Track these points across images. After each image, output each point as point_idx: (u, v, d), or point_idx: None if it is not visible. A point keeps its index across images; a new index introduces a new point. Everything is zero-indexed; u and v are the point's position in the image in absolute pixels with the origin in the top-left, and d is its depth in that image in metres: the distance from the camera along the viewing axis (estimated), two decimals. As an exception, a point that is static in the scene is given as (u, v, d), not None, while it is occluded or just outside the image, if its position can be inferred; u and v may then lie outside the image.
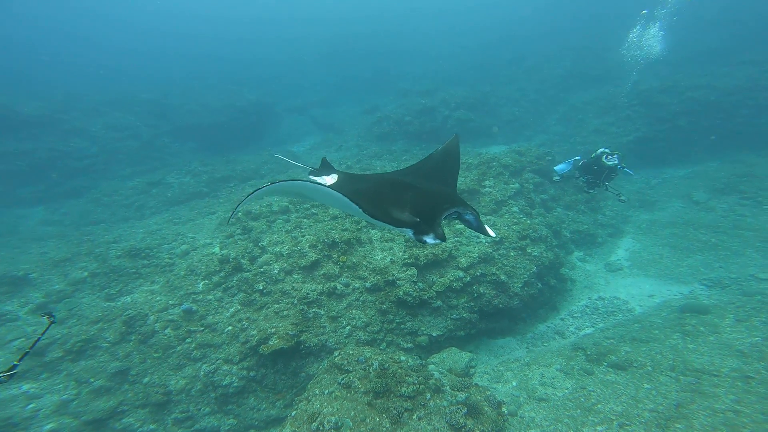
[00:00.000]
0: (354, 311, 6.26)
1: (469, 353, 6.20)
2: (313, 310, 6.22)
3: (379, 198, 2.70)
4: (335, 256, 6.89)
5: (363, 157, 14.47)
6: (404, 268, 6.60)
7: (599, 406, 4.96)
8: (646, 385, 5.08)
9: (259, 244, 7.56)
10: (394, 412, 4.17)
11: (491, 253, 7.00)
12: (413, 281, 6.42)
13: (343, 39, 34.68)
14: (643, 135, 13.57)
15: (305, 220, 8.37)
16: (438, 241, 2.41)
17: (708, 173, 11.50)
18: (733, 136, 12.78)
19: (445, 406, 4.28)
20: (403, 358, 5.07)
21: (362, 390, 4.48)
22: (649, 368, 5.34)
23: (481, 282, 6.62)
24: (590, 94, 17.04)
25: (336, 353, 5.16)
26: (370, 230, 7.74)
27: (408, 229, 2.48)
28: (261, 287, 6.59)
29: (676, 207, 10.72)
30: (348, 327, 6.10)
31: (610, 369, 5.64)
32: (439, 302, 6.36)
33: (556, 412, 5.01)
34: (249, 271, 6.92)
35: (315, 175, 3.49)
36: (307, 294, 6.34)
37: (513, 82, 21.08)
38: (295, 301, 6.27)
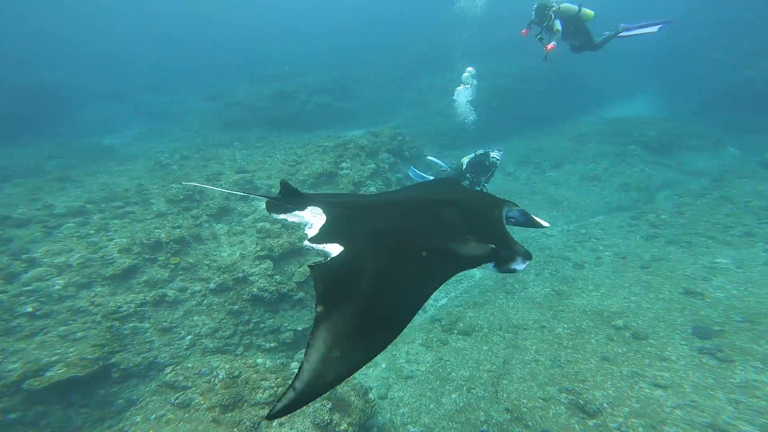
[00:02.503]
0: (196, 318, 5.50)
1: None
2: (131, 324, 5.22)
3: (428, 235, 2.05)
4: (163, 258, 5.96)
5: (206, 146, 12.85)
6: (257, 262, 6.07)
7: (453, 374, 5.43)
8: (484, 347, 5.80)
9: (24, 256, 5.72)
10: (249, 423, 3.65)
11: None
12: (269, 275, 5.93)
13: (188, 18, 30.09)
14: (472, 116, 15.28)
15: (115, 222, 6.93)
16: (528, 262, 1.94)
17: (515, 149, 13.91)
18: (529, 118, 15.94)
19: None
20: (260, 361, 4.64)
21: (205, 406, 3.77)
22: (486, 330, 6.13)
23: None
24: (433, 79, 18.66)
25: (168, 370, 4.39)
26: (215, 224, 6.83)
27: (488, 264, 1.94)
28: (30, 309, 5.08)
29: (497, 178, 12.83)
30: (189, 337, 5.32)
31: (459, 336, 6.26)
32: (302, 293, 6.04)
33: (421, 387, 5.25)
34: (4, 292, 5.13)
35: (280, 212, 2.55)
36: (120, 307, 5.28)
37: (375, 68, 21.56)
38: (98, 318, 5.13)
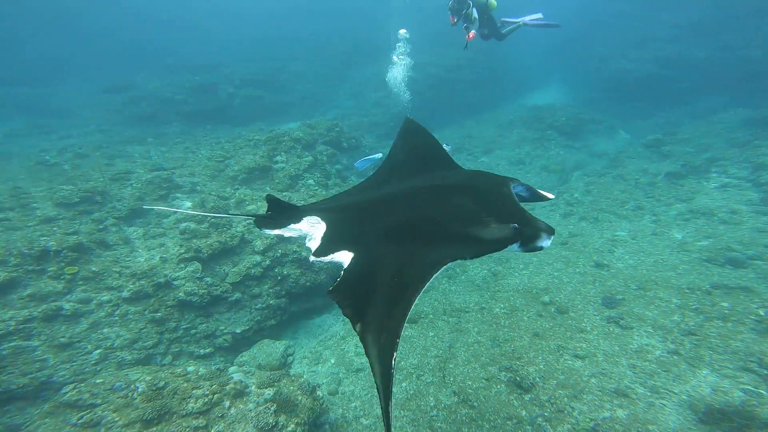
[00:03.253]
0: (106, 330, 5.12)
1: (284, 341, 6.01)
2: (14, 344, 4.75)
3: (445, 225, 1.94)
4: (54, 269, 5.41)
5: (110, 143, 11.39)
6: (182, 265, 5.70)
7: (402, 362, 5.64)
8: (430, 333, 6.09)
9: None
10: (179, 435, 3.38)
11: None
12: (197, 277, 5.60)
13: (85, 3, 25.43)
14: (408, 106, 15.69)
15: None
16: (552, 237, 1.88)
17: (449, 137, 14.48)
18: (460, 107, 16.70)
19: (251, 409, 3.93)
20: (191, 369, 4.40)
21: (121, 423, 3.59)
22: (432, 316, 6.43)
23: (284, 263, 6.35)
24: (369, 70, 18.59)
25: (67, 388, 4.05)
26: (125, 227, 6.25)
27: (514, 245, 1.87)
28: None
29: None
30: (97, 351, 4.95)
31: (406, 324, 6.43)
32: (238, 294, 5.81)
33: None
34: None
35: (273, 228, 2.37)
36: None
37: (303, 59, 20.92)
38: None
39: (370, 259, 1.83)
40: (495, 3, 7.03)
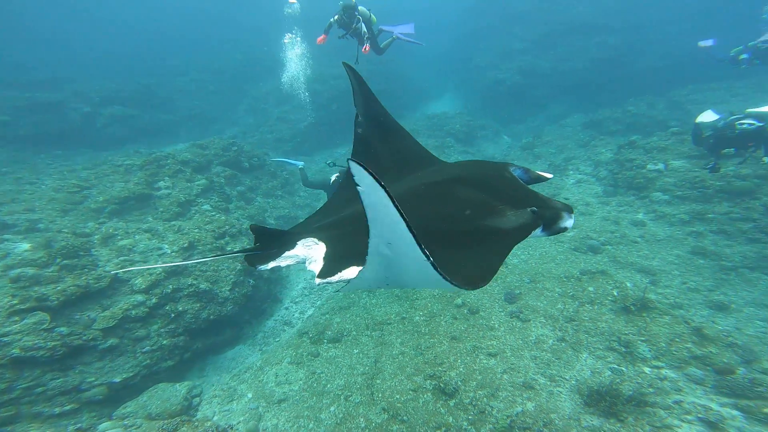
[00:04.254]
0: None
1: (187, 383, 5.49)
2: None
3: (464, 221, 1.77)
4: None
5: None
6: (16, 318, 4.94)
7: (328, 386, 5.50)
8: (355, 351, 6.08)
9: None
10: None
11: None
12: (44, 329, 4.92)
13: None
14: (314, 120, 15.94)
15: None
16: (573, 215, 1.77)
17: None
18: None
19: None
20: None
21: None
22: (354, 333, 6.42)
23: (177, 299, 5.92)
24: (270, 84, 17.78)
25: None
26: None
27: (537, 230, 1.74)
28: None
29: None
30: None
31: (330, 345, 6.34)
32: (114, 340, 5.24)
33: (296, 407, 5.14)
34: None
35: (267, 261, 2.12)
36: None
37: (188, 74, 19.29)
38: None
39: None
40: (375, 19, 7.23)
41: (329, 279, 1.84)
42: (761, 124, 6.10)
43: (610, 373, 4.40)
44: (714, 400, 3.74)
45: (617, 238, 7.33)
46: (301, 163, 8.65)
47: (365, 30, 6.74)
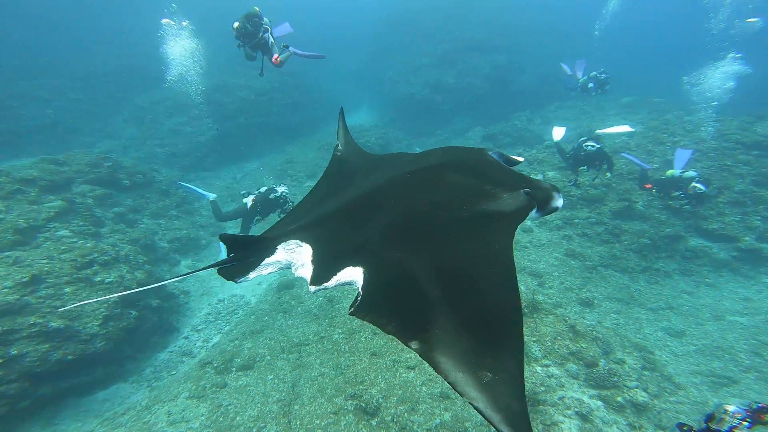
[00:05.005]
0: None
1: None
2: None
3: (458, 207, 1.66)
4: None
5: None
6: None
7: (238, 418, 5.07)
8: (269, 377, 5.72)
9: None
10: None
11: (19, 300, 5.48)
12: None
13: None
14: (217, 133, 14.67)
15: None
16: (561, 194, 1.78)
17: (269, 163, 14.30)
18: (277, 131, 16.42)
19: None
20: None
21: None
22: (269, 357, 6.04)
23: (11, 341, 5.21)
24: (158, 93, 15.73)
25: None
26: None
27: (532, 212, 1.70)
28: None
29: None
30: None
31: (239, 373, 5.84)
32: None
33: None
34: None
35: (245, 272, 1.86)
36: None
37: (34, 78, 15.87)
38: None
39: (397, 264, 1.50)
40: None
41: (325, 285, 1.64)
42: (599, 146, 7.58)
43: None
44: (585, 393, 4.55)
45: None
46: (212, 195, 7.73)
47: (273, 40, 6.26)
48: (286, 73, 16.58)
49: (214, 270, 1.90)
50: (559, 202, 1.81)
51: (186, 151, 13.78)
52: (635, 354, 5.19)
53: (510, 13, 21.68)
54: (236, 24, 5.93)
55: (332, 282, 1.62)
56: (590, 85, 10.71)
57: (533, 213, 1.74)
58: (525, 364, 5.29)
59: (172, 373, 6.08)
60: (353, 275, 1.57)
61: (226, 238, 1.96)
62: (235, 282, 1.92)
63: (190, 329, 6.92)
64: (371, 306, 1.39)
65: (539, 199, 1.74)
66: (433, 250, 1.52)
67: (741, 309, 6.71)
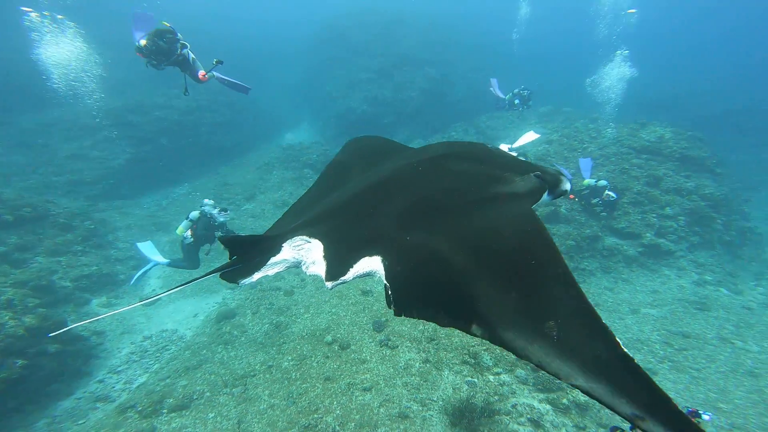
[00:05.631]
0: None
1: None
2: None
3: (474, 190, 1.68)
4: None
5: None
6: None
7: (176, 472, 4.46)
8: (210, 415, 5.18)
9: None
10: None
11: None
12: None
13: None
14: (132, 156, 13.25)
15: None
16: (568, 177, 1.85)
17: (203, 186, 13.35)
18: (209, 152, 15.35)
19: None
20: None
21: None
22: (208, 394, 5.47)
23: None
24: (49, 114, 13.66)
25: None
26: None
27: (545, 196, 1.74)
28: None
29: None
30: None
31: (172, 414, 5.21)
32: None
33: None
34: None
35: (250, 273, 1.80)
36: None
37: None
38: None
39: (425, 249, 1.44)
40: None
41: (343, 278, 1.58)
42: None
43: (467, 387, 5.07)
44: (535, 398, 4.80)
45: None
46: (165, 261, 6.90)
47: (193, 56, 5.77)
48: (216, 91, 15.55)
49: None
50: (567, 185, 1.89)
51: (94, 178, 12.11)
52: (573, 353, 5.62)
53: (439, 29, 22.67)
54: (143, 42, 5.30)
55: (350, 275, 1.58)
56: (516, 101, 11.69)
57: (545, 197, 1.82)
58: (479, 374, 5.37)
59: (80, 422, 5.19)
60: (372, 265, 1.53)
61: (227, 241, 1.87)
62: (237, 284, 1.85)
63: (106, 372, 5.98)
64: (412, 298, 1.32)
65: (549, 182, 1.82)
66: (461, 230, 1.50)
67: (651, 301, 7.68)
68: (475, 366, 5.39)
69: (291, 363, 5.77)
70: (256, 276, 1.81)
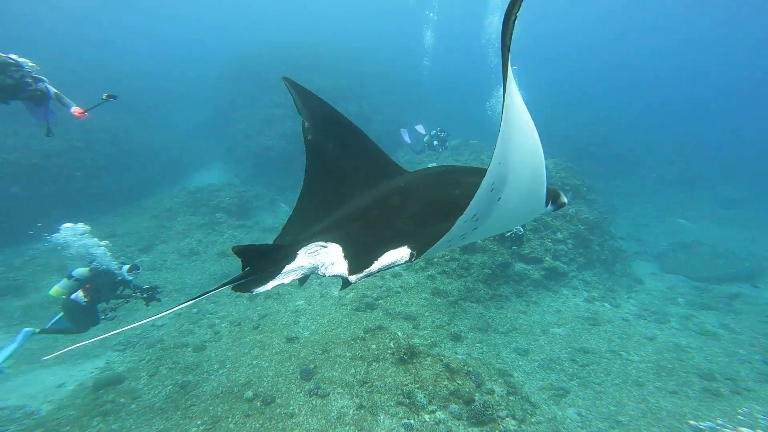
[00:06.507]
0: None
1: None
2: None
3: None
4: None
5: None
6: None
7: None
8: None
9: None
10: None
11: None
12: None
13: None
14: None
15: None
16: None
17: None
18: (88, 201, 13.52)
19: None
20: None
21: None
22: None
23: None
24: None
25: None
26: None
27: (548, 206, 2.05)
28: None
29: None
30: None
31: None
32: None
33: None
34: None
35: (265, 282, 1.90)
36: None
37: None
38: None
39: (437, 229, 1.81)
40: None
41: (368, 270, 1.81)
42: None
43: (404, 430, 4.88)
44: (470, 432, 4.84)
45: (385, 292, 8.57)
46: (32, 330, 5.71)
47: (55, 90, 5.07)
48: (95, 129, 14.01)
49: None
50: (565, 198, 2.15)
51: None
52: (500, 381, 5.87)
53: (355, 63, 23.83)
54: None
55: (375, 266, 1.81)
56: (435, 142, 12.70)
57: (549, 207, 2.07)
58: (414, 414, 5.21)
59: None
60: (396, 256, 1.82)
61: (240, 251, 1.90)
62: (251, 293, 1.89)
63: None
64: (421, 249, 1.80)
65: (550, 194, 2.04)
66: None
67: (556, 321, 8.56)
68: (410, 406, 5.25)
69: (200, 428, 4.92)
70: (271, 284, 1.91)
